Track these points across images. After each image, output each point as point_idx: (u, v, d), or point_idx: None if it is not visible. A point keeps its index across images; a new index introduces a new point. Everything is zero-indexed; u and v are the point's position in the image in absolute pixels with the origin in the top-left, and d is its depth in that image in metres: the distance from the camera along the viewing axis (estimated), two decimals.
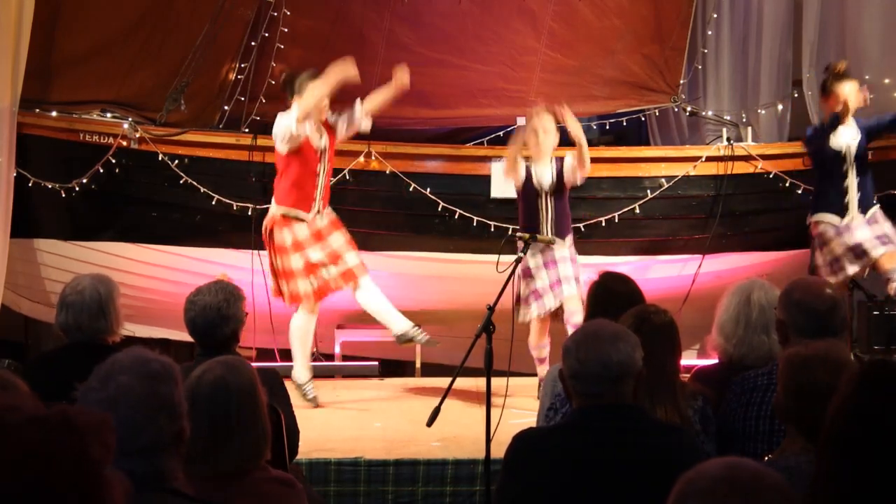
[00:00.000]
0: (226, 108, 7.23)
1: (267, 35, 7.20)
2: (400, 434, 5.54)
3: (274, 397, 3.19)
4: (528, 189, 6.11)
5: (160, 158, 6.90)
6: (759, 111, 7.90)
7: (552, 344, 6.12)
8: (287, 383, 4.07)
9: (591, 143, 7.83)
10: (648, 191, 7.14)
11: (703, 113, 7.91)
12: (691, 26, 7.75)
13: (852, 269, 6.39)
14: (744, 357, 3.76)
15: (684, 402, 3.30)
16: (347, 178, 6.86)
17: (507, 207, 6.85)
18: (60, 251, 7.09)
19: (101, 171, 6.90)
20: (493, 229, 6.99)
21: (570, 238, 6.16)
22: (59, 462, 1.42)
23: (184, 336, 4.47)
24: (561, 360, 2.89)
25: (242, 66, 7.21)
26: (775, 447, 3.02)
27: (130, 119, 6.98)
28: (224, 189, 6.95)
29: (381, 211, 7.06)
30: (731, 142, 7.30)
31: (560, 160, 6.07)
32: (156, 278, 7.22)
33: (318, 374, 6.42)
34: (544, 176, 6.07)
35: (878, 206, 6.52)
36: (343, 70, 5.89)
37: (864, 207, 6.45)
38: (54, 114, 6.99)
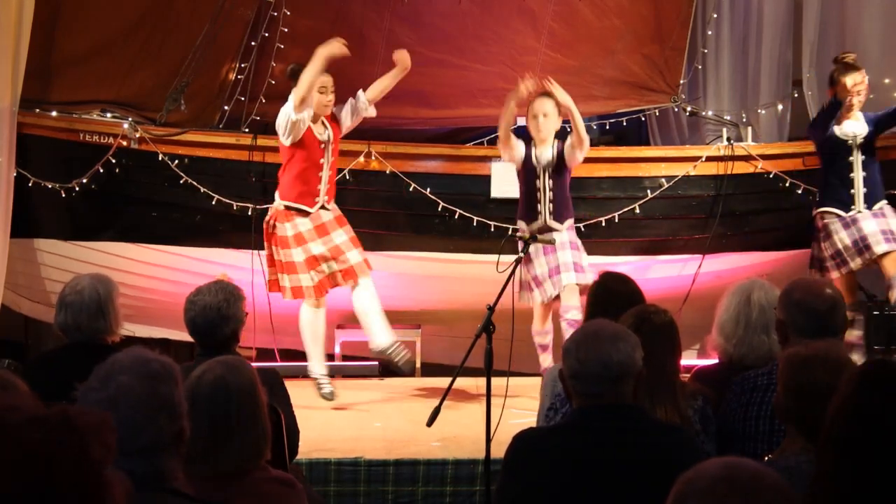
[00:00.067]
0: (226, 108, 7.23)
1: (267, 35, 7.20)
2: (400, 434, 5.54)
3: (274, 397, 3.19)
4: (528, 168, 6.13)
5: (160, 158, 6.90)
6: (759, 111, 7.90)
7: (552, 342, 6.12)
8: (292, 382, 4.07)
9: (591, 144, 7.85)
10: (648, 191, 7.14)
11: (703, 113, 7.91)
12: (691, 26, 7.75)
13: (855, 262, 6.36)
14: (744, 357, 3.77)
15: (684, 402, 3.30)
16: (347, 178, 6.86)
17: (507, 207, 6.85)
18: (60, 251, 7.09)
19: (101, 171, 6.90)
20: (493, 229, 6.98)
21: (570, 222, 6.16)
22: (59, 462, 1.42)
23: (184, 336, 4.47)
24: (561, 360, 2.89)
25: (242, 66, 7.21)
26: (775, 447, 3.02)
27: (130, 119, 6.98)
28: (224, 189, 6.95)
29: (381, 211, 7.06)
30: (731, 142, 7.30)
31: (562, 142, 6.09)
32: (156, 278, 7.22)
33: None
34: (544, 155, 6.09)
35: (885, 201, 6.49)
36: (329, 49, 5.89)
37: (870, 201, 6.42)
38: (54, 114, 6.99)
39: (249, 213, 6.91)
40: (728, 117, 7.85)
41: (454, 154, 7.24)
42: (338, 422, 5.85)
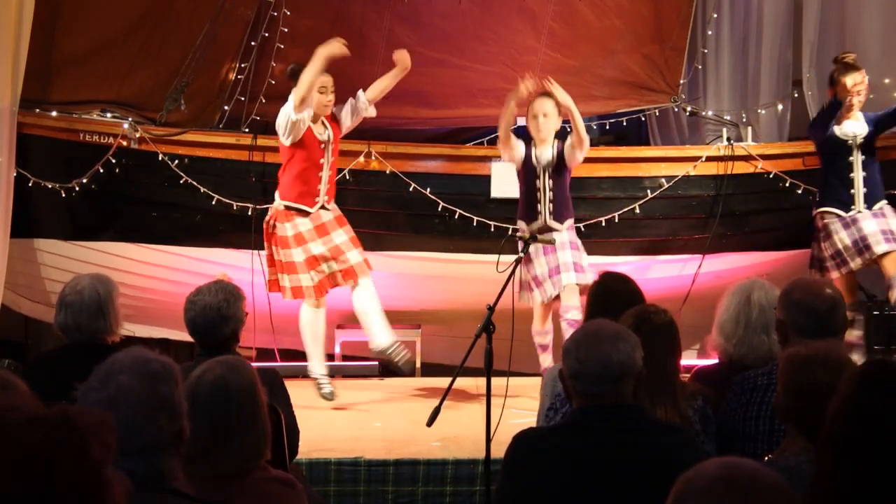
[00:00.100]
0: (226, 108, 7.23)
1: (267, 35, 7.20)
2: (400, 434, 5.54)
3: (274, 397, 3.19)
4: (528, 168, 6.14)
5: (160, 158, 6.90)
6: (759, 111, 7.90)
7: (552, 342, 6.12)
8: (292, 382, 4.07)
9: (591, 144, 7.84)
10: (648, 191, 7.14)
11: (703, 113, 7.91)
12: (691, 26, 7.75)
13: (855, 262, 6.35)
14: (744, 357, 3.77)
15: (684, 402, 3.30)
16: (347, 178, 6.86)
17: (507, 207, 6.85)
18: (60, 251, 7.09)
19: (101, 171, 6.90)
20: (493, 229, 6.99)
21: (570, 222, 6.16)
22: (59, 462, 1.42)
23: (184, 336, 4.47)
24: (561, 360, 2.89)
25: (242, 66, 7.21)
26: (775, 447, 3.02)
27: (130, 119, 6.98)
28: (224, 189, 6.95)
29: (381, 211, 7.06)
30: (731, 142, 7.30)
31: (562, 142, 6.09)
32: (156, 278, 7.22)
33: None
34: (544, 155, 6.09)
35: (886, 201, 6.48)
36: (328, 49, 5.89)
37: (870, 200, 6.41)
38: (54, 114, 6.99)
39: (249, 213, 6.91)
40: (728, 117, 7.85)
41: (454, 154, 7.24)
42: (338, 422, 5.85)
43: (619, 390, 2.80)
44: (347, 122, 6.25)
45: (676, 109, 7.90)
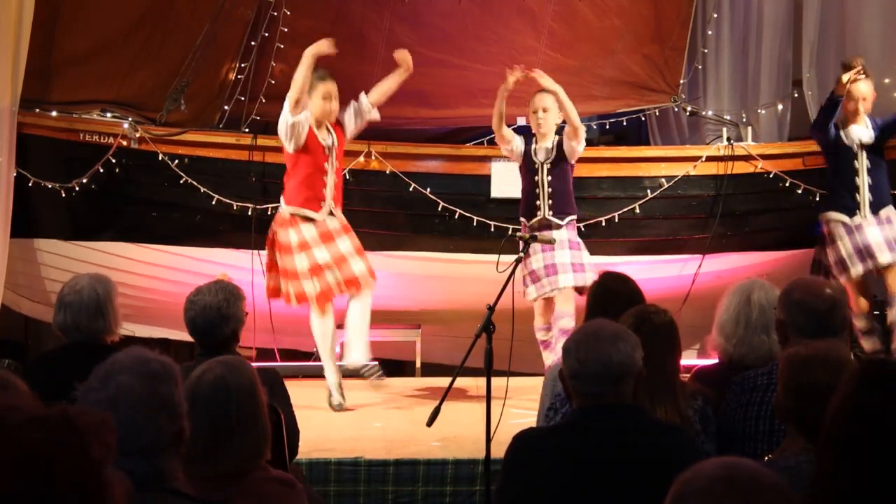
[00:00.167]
0: (226, 108, 7.23)
1: (267, 35, 7.20)
2: (400, 434, 5.54)
3: (274, 397, 3.19)
4: (528, 164, 6.16)
5: (160, 158, 6.90)
6: (759, 111, 7.90)
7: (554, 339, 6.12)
8: (292, 382, 4.07)
9: (591, 143, 7.84)
10: (648, 191, 7.14)
11: (703, 113, 7.91)
12: (691, 26, 7.75)
13: (856, 269, 6.33)
14: (744, 357, 3.76)
15: (684, 402, 3.30)
16: (347, 178, 6.85)
17: (507, 207, 6.85)
18: (60, 251, 7.09)
19: (101, 170, 6.90)
20: (493, 229, 6.99)
21: (571, 218, 6.14)
22: (59, 462, 1.41)
23: (184, 336, 4.47)
24: (561, 360, 2.89)
25: (242, 66, 7.21)
26: (775, 447, 3.02)
27: (130, 119, 6.98)
28: (224, 189, 6.95)
29: (381, 211, 7.06)
30: (731, 142, 7.30)
31: (561, 136, 6.10)
32: (156, 278, 7.22)
33: (318, 374, 6.42)
34: (543, 149, 6.10)
35: (892, 206, 6.46)
36: (316, 48, 5.88)
37: (876, 206, 6.39)
38: (54, 114, 6.99)
39: (249, 213, 6.91)
40: (728, 117, 7.85)
41: (454, 154, 7.24)
42: (338, 422, 5.85)
43: (619, 390, 2.80)
44: (351, 126, 6.20)
45: (676, 109, 7.90)
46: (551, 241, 5.81)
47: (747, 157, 7.21)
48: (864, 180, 6.39)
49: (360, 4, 7.41)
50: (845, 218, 6.40)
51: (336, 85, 6.00)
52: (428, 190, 7.01)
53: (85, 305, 4.05)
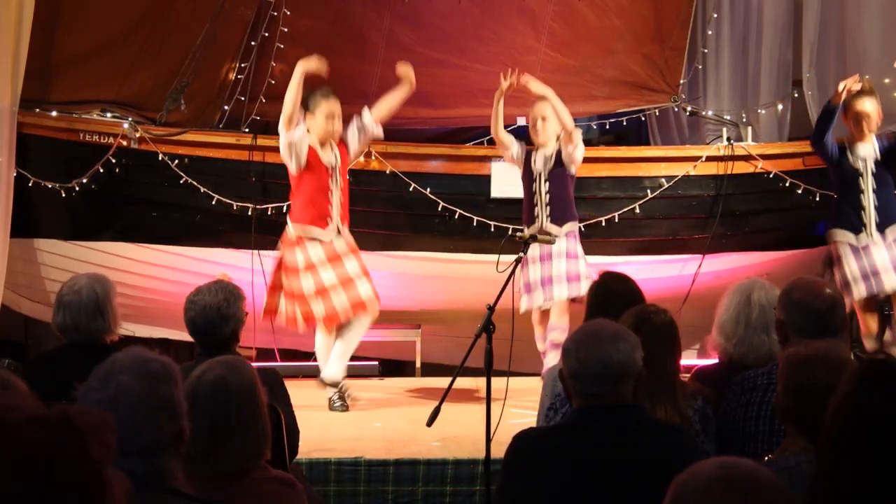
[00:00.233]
0: (226, 108, 7.23)
1: (267, 35, 7.20)
2: (400, 434, 5.54)
3: (274, 397, 3.19)
4: (527, 173, 6.17)
5: (160, 158, 6.90)
6: (759, 111, 7.90)
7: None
8: (292, 382, 4.07)
9: (591, 143, 7.84)
10: (648, 191, 7.14)
11: (703, 113, 7.91)
12: (691, 26, 7.75)
13: (859, 292, 6.24)
14: (744, 357, 3.76)
15: (684, 402, 3.30)
16: (348, 177, 6.86)
17: (507, 207, 6.85)
18: (60, 251, 7.09)
19: (101, 170, 6.90)
20: (493, 229, 6.98)
21: (570, 226, 6.13)
22: (59, 462, 1.41)
23: (184, 336, 4.47)
24: (561, 360, 2.89)
25: (242, 66, 7.21)
26: (775, 447, 3.02)
27: (130, 119, 6.98)
28: (224, 189, 6.95)
29: (381, 211, 7.06)
30: (731, 142, 7.30)
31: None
32: (156, 278, 7.22)
33: (318, 374, 6.41)
34: (539, 158, 6.10)
35: None
36: (306, 64, 5.87)
37: (883, 225, 6.30)
38: (54, 114, 6.99)
39: (249, 213, 6.91)
40: (728, 117, 7.85)
41: (454, 154, 7.24)
42: (338, 422, 5.85)
43: (619, 390, 2.80)
44: (355, 144, 6.15)
45: (676, 109, 7.90)
46: (551, 242, 5.82)
47: (747, 157, 7.21)
48: (869, 200, 6.31)
49: (360, 4, 7.41)
50: (851, 238, 6.32)
51: (339, 103, 5.96)
52: (428, 190, 7.01)
53: (84, 305, 4.05)
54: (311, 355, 6.67)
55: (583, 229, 6.73)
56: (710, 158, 7.22)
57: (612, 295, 3.99)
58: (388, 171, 6.98)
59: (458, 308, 7.24)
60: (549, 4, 7.51)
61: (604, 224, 7.08)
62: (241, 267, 6.82)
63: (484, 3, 7.52)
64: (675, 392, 3.28)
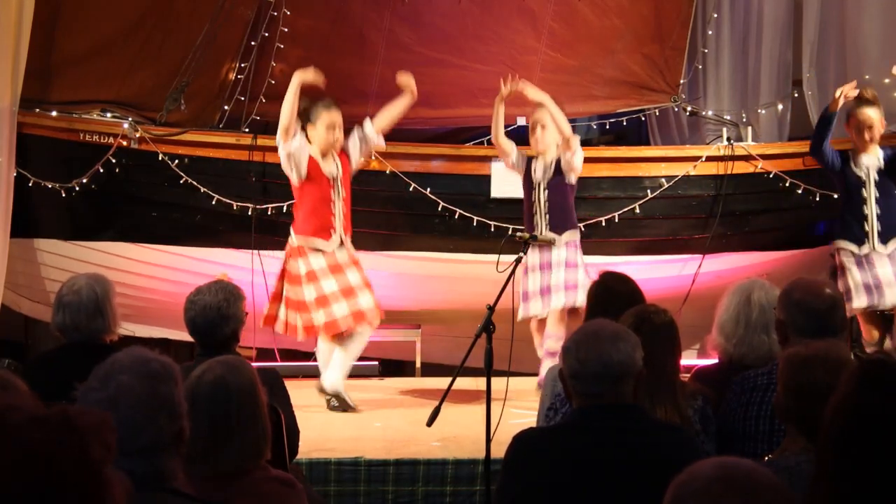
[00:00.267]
0: (226, 108, 7.23)
1: (267, 35, 7.20)
2: (400, 434, 5.54)
3: (274, 397, 3.19)
4: (527, 181, 6.17)
5: (160, 158, 6.90)
6: (759, 111, 7.90)
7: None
8: (292, 382, 4.07)
9: (591, 143, 7.84)
10: (648, 191, 7.14)
11: (703, 113, 7.91)
12: (691, 26, 7.75)
13: (860, 303, 6.22)
14: (744, 357, 3.76)
15: (684, 402, 3.30)
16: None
17: (507, 207, 6.85)
18: (60, 251, 7.10)
19: (101, 170, 6.90)
20: (493, 229, 6.99)
21: (569, 235, 6.12)
22: (59, 462, 1.41)
23: (184, 336, 4.47)
24: (560, 360, 2.89)
25: (242, 65, 7.22)
26: (775, 447, 3.02)
27: (130, 119, 6.98)
28: (224, 189, 6.95)
29: (381, 211, 7.06)
30: (731, 142, 7.30)
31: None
32: (156, 278, 7.22)
33: (318, 374, 6.41)
34: (539, 167, 6.10)
35: None
36: (303, 75, 5.88)
37: (886, 236, 6.28)
38: (54, 114, 6.99)
39: (249, 213, 6.91)
40: (728, 117, 7.85)
41: (454, 154, 7.24)
42: (338, 422, 5.85)
43: (619, 390, 2.79)
44: (356, 154, 6.13)
45: (676, 109, 7.90)
46: (551, 242, 5.82)
47: (747, 157, 7.21)
48: (872, 209, 6.29)
49: (360, 4, 7.41)
50: (854, 248, 6.32)
51: (341, 114, 5.95)
52: (428, 190, 7.01)
53: (84, 305, 4.05)
54: (310, 355, 6.68)
55: (583, 229, 6.73)
56: (710, 158, 7.22)
57: (612, 295, 3.99)
58: (388, 171, 6.98)
59: (458, 308, 7.24)
60: (549, 4, 7.51)
61: (604, 224, 7.08)
62: (241, 267, 6.83)
63: (484, 3, 7.52)
64: (675, 392, 3.28)
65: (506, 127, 6.34)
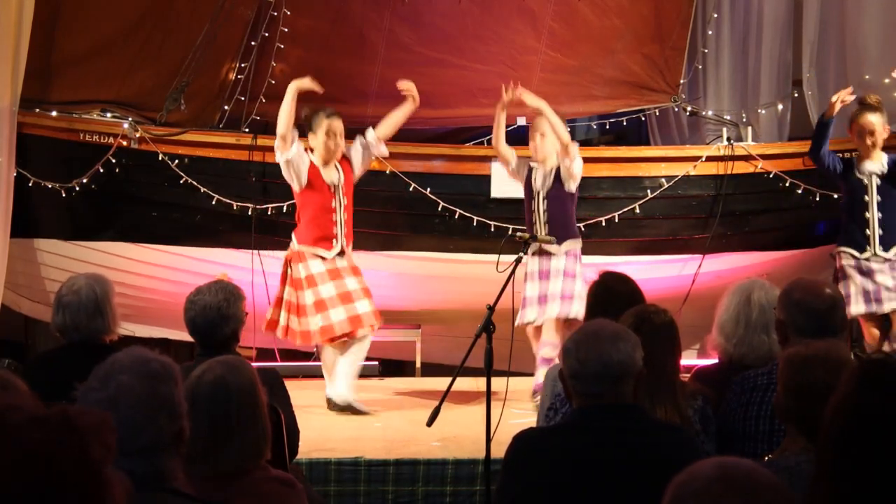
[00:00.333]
0: (226, 108, 7.23)
1: (267, 35, 7.21)
2: (400, 434, 5.54)
3: (274, 397, 3.19)
4: (528, 189, 6.16)
5: (160, 158, 6.90)
6: (759, 111, 7.90)
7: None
8: (292, 382, 4.07)
9: (591, 143, 7.84)
10: (648, 191, 7.14)
11: (703, 113, 7.91)
12: (691, 26, 7.75)
13: (857, 309, 6.21)
14: (744, 357, 3.76)
15: (684, 402, 3.30)
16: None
17: (507, 207, 6.85)
18: (60, 251, 7.10)
19: (101, 170, 6.90)
20: (493, 229, 6.99)
21: (570, 244, 6.10)
22: (59, 462, 1.41)
23: (184, 336, 4.47)
24: (561, 360, 2.89)
25: (242, 65, 7.22)
26: (775, 447, 3.02)
27: (130, 119, 6.98)
28: (224, 189, 6.95)
29: (381, 211, 7.06)
30: (731, 142, 7.31)
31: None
32: (156, 278, 7.22)
33: (318, 374, 6.42)
34: (539, 175, 6.09)
35: None
36: (299, 83, 5.88)
37: (887, 242, 6.27)
38: (54, 114, 7.00)
39: (249, 213, 6.91)
40: (728, 117, 7.85)
41: (454, 154, 7.24)
42: (338, 422, 5.85)
43: (619, 390, 2.79)
44: (358, 161, 6.12)
45: (676, 109, 7.90)
46: (552, 242, 5.81)
47: (747, 157, 7.21)
48: (874, 215, 6.27)
49: (360, 4, 7.41)
50: (855, 253, 6.30)
51: (342, 122, 5.94)
52: (428, 190, 7.01)
53: (83, 305, 4.05)
54: (310, 355, 6.68)
55: (582, 229, 6.73)
56: (710, 158, 7.22)
57: (612, 295, 3.99)
58: (388, 171, 6.98)
59: (458, 308, 7.24)
60: (549, 4, 7.51)
61: (604, 224, 7.08)
62: (241, 267, 6.83)
63: (484, 3, 7.52)
64: (675, 392, 3.28)
65: (506, 127, 6.33)
